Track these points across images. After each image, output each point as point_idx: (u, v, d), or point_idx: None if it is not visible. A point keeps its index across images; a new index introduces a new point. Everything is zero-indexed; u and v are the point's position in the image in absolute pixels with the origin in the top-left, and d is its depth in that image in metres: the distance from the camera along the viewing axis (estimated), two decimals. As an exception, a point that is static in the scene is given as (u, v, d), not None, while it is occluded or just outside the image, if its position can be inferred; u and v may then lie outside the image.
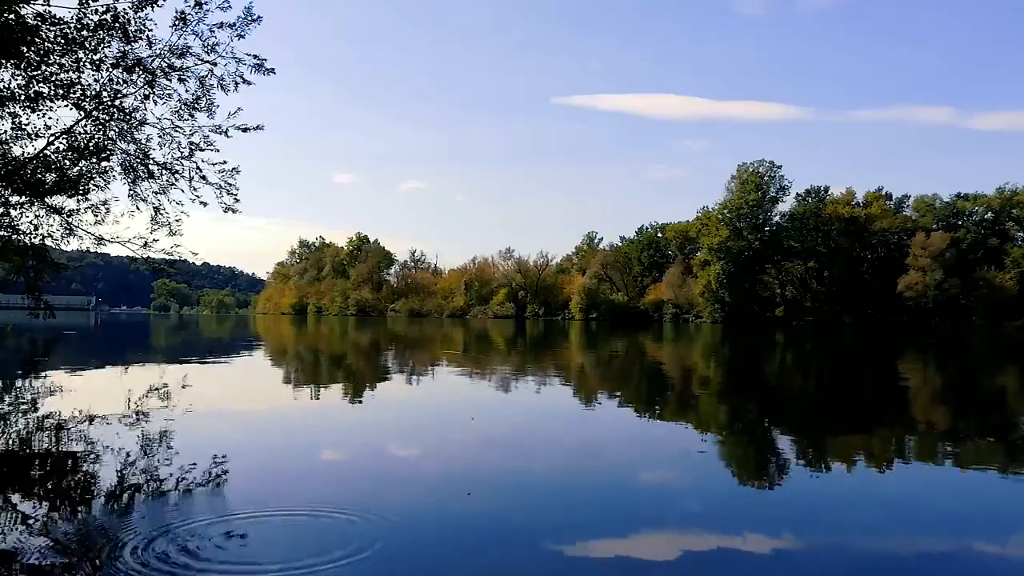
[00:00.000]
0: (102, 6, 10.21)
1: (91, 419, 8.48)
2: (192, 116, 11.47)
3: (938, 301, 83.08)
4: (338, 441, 8.04)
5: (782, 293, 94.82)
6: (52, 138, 11.05)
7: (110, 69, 10.76)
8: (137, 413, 9.06)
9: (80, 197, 11.76)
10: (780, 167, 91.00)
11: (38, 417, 8.74)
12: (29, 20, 9.91)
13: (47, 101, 10.60)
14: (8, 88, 10.36)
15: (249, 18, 10.94)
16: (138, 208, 12.06)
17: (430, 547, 4.24)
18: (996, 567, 4.29)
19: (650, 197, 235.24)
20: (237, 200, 12.09)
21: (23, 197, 11.38)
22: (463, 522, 4.86)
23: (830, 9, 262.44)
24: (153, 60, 10.90)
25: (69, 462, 6.37)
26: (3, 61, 9.98)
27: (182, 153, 11.71)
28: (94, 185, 11.80)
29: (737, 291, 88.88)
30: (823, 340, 39.52)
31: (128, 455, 6.55)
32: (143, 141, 11.71)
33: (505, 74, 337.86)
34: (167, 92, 11.26)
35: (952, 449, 7.94)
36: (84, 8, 10.12)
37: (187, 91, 11.34)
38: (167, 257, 12.63)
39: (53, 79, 10.45)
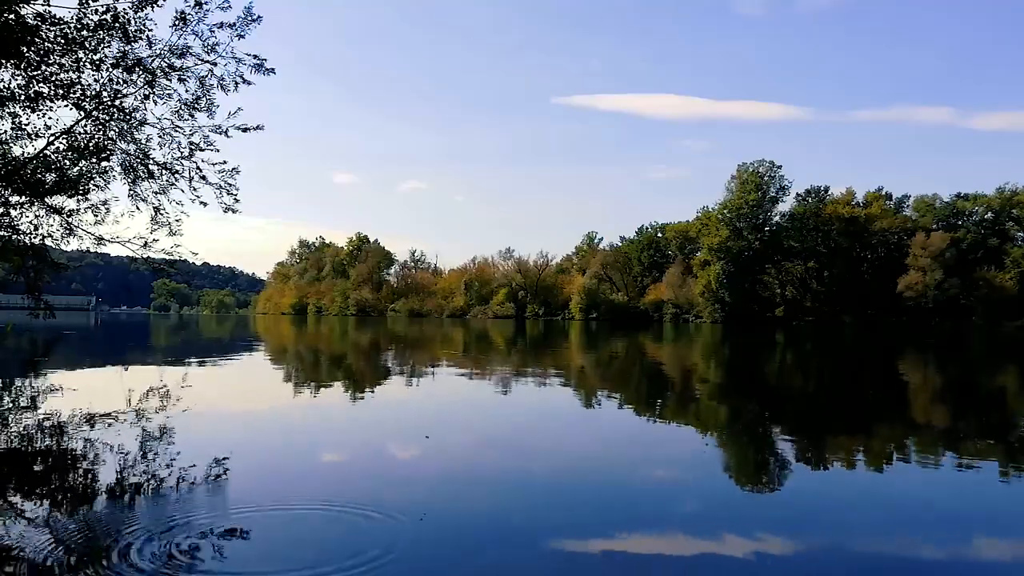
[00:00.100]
0: (102, 6, 10.23)
1: (91, 418, 8.48)
2: (192, 116, 11.50)
3: (938, 301, 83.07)
4: (338, 441, 8.04)
5: (782, 293, 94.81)
6: (52, 138, 11.07)
7: (110, 69, 10.78)
8: (137, 413, 9.06)
9: (80, 197, 11.78)
10: (780, 167, 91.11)
11: (38, 417, 8.74)
12: (29, 20, 9.92)
13: (47, 101, 10.61)
14: (8, 88, 10.37)
15: (249, 18, 10.96)
16: (138, 208, 12.09)
17: (430, 547, 4.24)
18: (996, 567, 4.29)
19: (650, 197, 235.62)
20: (237, 200, 12.12)
21: (23, 197, 11.39)
22: (463, 522, 4.86)
23: (830, 9, 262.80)
24: (153, 60, 10.92)
25: (69, 461, 6.37)
26: (3, 61, 9.99)
27: (182, 153, 11.73)
28: (94, 185, 11.83)
29: (737, 291, 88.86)
30: (823, 340, 39.51)
31: (128, 454, 6.55)
32: (143, 141, 11.74)
33: (505, 74, 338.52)
34: (167, 92, 11.30)
35: (952, 449, 7.93)
36: (84, 8, 10.14)
37: (187, 91, 11.38)
38: (167, 257, 12.66)
39: (53, 79, 10.46)
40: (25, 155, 11.17)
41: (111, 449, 6.77)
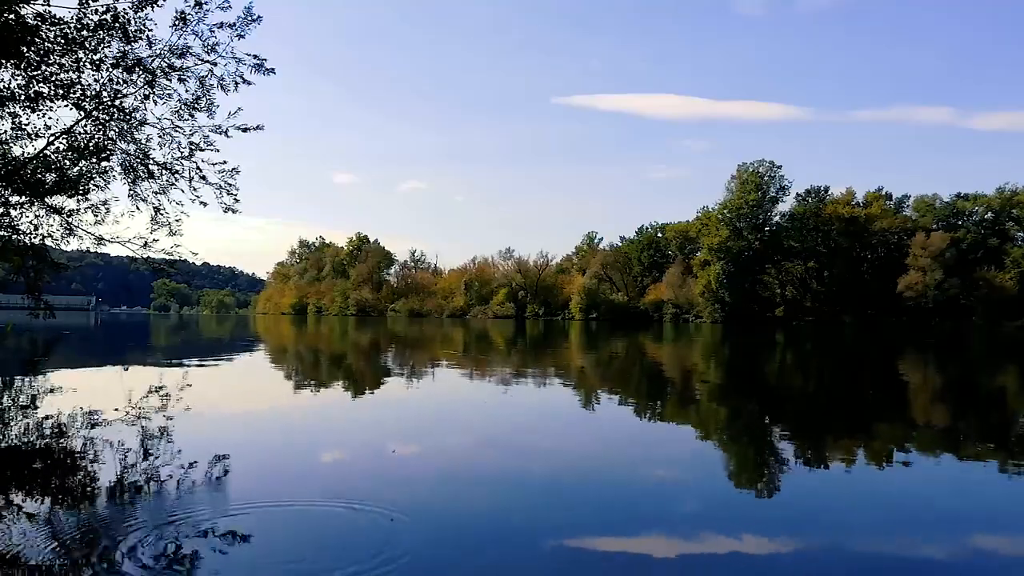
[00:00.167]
0: (102, 6, 10.22)
1: (92, 418, 8.48)
2: (192, 116, 11.49)
3: (938, 301, 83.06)
4: (338, 441, 8.05)
5: (782, 293, 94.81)
6: (52, 138, 11.06)
7: (110, 69, 10.77)
8: (138, 413, 9.06)
9: (80, 197, 11.77)
10: (780, 167, 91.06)
11: (39, 416, 8.74)
12: (29, 20, 9.92)
13: (47, 101, 10.60)
14: (8, 88, 10.36)
15: (249, 18, 10.95)
16: (138, 208, 12.08)
17: (430, 547, 4.24)
18: (996, 567, 4.29)
19: (650, 197, 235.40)
20: (237, 200, 12.11)
21: (23, 197, 11.39)
22: (463, 522, 4.86)
23: (830, 9, 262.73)
24: (153, 60, 10.91)
25: (70, 460, 6.37)
26: (3, 61, 9.99)
27: (182, 153, 11.72)
28: (94, 185, 11.82)
29: (737, 291, 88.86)
30: (823, 340, 39.52)
31: (129, 453, 6.55)
32: (143, 141, 11.72)
33: (505, 74, 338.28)
34: (167, 92, 11.28)
35: (952, 449, 7.93)
36: (84, 8, 10.13)
37: (187, 91, 11.36)
38: (167, 257, 12.65)
39: (53, 79, 10.46)
40: (25, 155, 11.17)
41: (111, 448, 6.77)
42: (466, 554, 4.19)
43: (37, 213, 11.70)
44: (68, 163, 11.34)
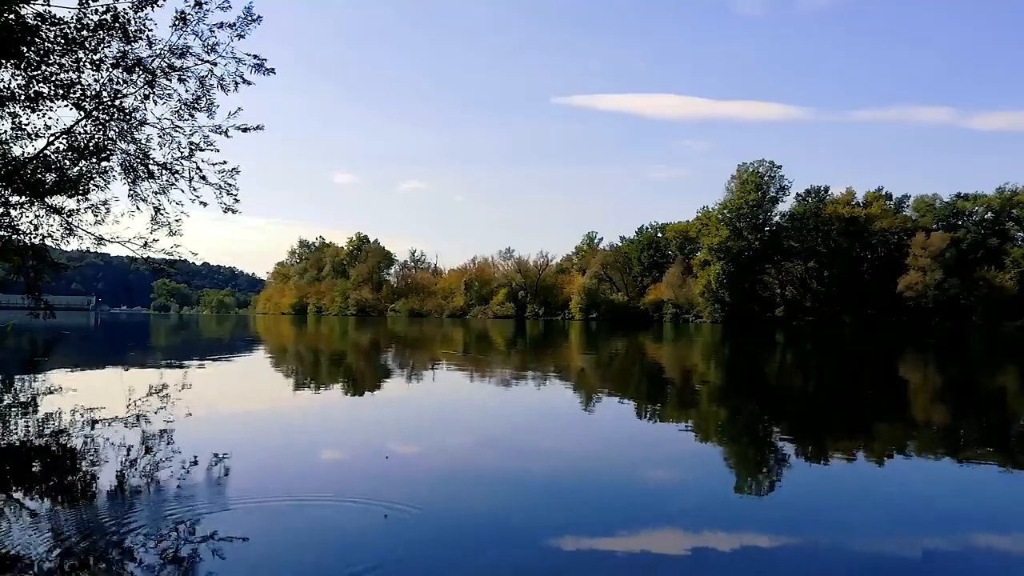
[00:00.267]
0: (102, 6, 10.21)
1: (92, 418, 8.48)
2: (192, 116, 11.47)
3: (938, 301, 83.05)
4: (338, 440, 8.05)
5: (782, 293, 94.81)
6: (52, 138, 11.06)
7: (110, 69, 10.76)
8: (138, 412, 9.06)
9: (80, 197, 11.76)
10: (780, 167, 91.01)
11: (39, 416, 8.74)
12: (29, 20, 9.91)
13: (47, 101, 10.59)
14: (8, 88, 10.36)
15: (249, 18, 10.94)
16: (138, 208, 12.07)
17: (430, 547, 4.24)
18: (996, 566, 4.29)
19: (650, 197, 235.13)
20: (237, 200, 12.10)
21: (23, 197, 11.38)
22: (463, 522, 4.86)
23: (830, 9, 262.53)
24: (153, 60, 10.90)
25: (70, 460, 6.37)
26: (3, 61, 9.98)
27: (182, 153, 11.71)
28: (94, 185, 11.81)
29: (737, 291, 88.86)
30: (823, 340, 39.51)
31: (129, 453, 6.55)
32: (143, 141, 11.71)
33: (505, 74, 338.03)
34: (167, 92, 11.27)
35: (952, 449, 7.94)
36: (84, 8, 10.12)
37: (187, 91, 11.35)
38: (167, 257, 12.63)
39: (53, 79, 10.45)
40: (25, 155, 11.17)
41: (112, 448, 6.77)
42: (466, 554, 4.19)
43: (37, 213, 11.69)
44: (68, 163, 11.33)
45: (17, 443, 7.16)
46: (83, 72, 10.62)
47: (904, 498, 5.77)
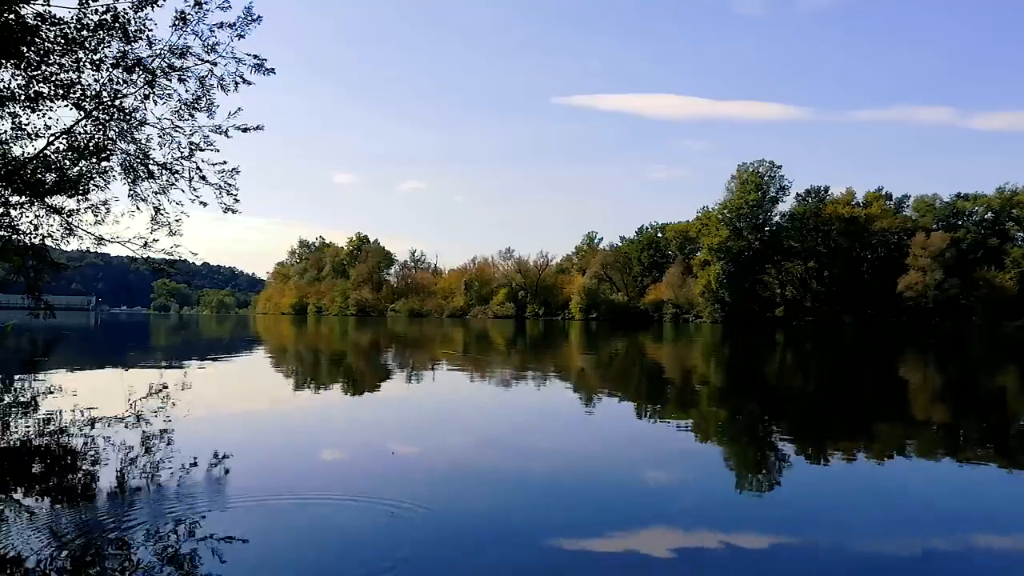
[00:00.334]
0: (102, 6, 10.21)
1: (92, 418, 8.48)
2: (192, 116, 11.47)
3: (938, 301, 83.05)
4: (338, 440, 8.05)
5: (782, 293, 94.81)
6: (52, 138, 11.06)
7: (110, 69, 10.76)
8: (138, 412, 9.06)
9: (80, 197, 11.76)
10: (780, 167, 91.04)
11: (39, 416, 8.74)
12: (29, 20, 9.91)
13: (47, 101, 10.59)
14: (8, 88, 10.36)
15: (249, 18, 10.94)
16: (138, 208, 12.07)
17: (430, 547, 4.24)
18: (996, 566, 4.29)
19: (650, 197, 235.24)
20: (237, 200, 12.10)
21: (23, 197, 11.38)
22: (463, 522, 4.86)
23: (830, 9, 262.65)
24: (153, 60, 10.90)
25: (70, 460, 6.37)
26: (3, 61, 9.98)
27: (182, 153, 11.71)
28: (94, 185, 11.81)
29: (737, 291, 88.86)
30: (823, 340, 39.51)
31: (129, 453, 6.55)
32: (143, 141, 11.71)
33: (505, 74, 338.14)
34: (167, 92, 11.27)
35: (952, 449, 7.94)
36: (84, 8, 10.12)
37: (187, 91, 11.35)
38: (167, 257, 12.63)
39: (53, 79, 10.45)
40: (25, 155, 11.17)
41: (112, 448, 6.78)
42: (466, 554, 4.20)
43: (37, 213, 11.69)
44: (68, 163, 11.33)
45: (17, 443, 7.16)
46: (83, 72, 10.62)
47: (904, 498, 5.77)
